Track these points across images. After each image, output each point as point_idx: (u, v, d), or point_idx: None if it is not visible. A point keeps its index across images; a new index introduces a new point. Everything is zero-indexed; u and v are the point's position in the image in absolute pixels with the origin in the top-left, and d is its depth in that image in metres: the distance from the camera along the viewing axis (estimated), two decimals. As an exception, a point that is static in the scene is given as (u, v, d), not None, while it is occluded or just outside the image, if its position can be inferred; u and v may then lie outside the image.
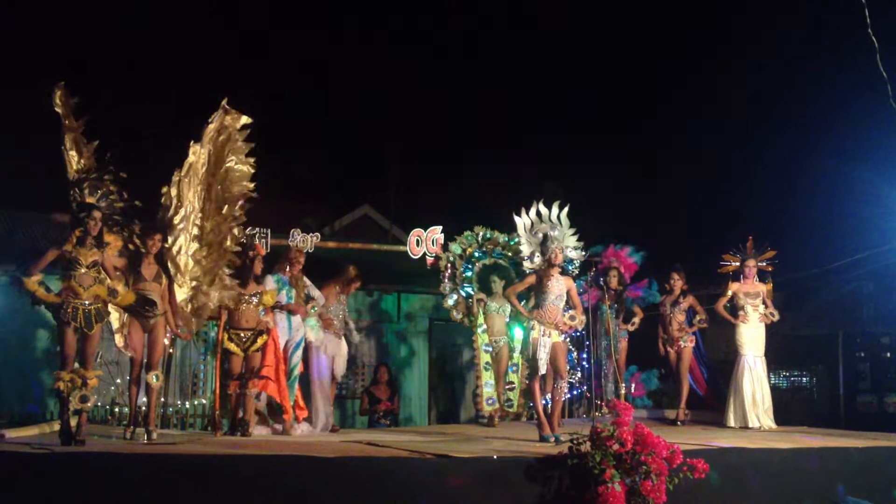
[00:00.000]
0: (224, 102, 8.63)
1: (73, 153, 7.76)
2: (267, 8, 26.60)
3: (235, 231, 8.79)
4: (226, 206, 8.70)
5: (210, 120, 8.59)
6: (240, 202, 8.78)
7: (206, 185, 8.60)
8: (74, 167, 7.75)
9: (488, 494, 6.73)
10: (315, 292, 9.80)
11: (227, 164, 8.68)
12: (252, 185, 8.81)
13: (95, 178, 7.56)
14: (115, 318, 7.88)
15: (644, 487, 6.63)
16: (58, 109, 7.72)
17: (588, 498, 6.67)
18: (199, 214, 8.59)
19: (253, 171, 8.81)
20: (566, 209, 8.71)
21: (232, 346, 8.85)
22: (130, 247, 7.95)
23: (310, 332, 9.74)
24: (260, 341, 8.93)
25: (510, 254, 11.23)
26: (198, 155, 8.52)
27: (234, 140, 8.71)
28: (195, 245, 8.57)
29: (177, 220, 8.37)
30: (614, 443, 6.68)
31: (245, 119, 8.72)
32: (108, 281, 7.48)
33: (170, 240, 8.31)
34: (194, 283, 8.57)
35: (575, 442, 6.87)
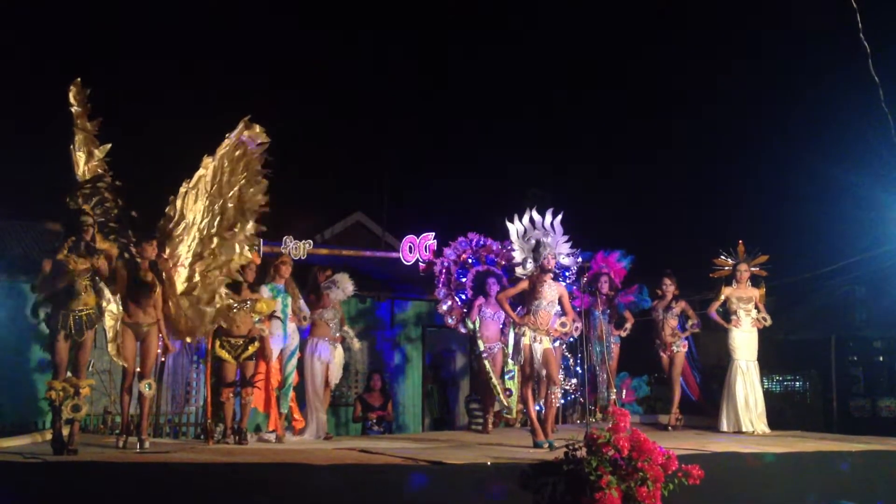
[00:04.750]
0: (246, 118, 8.55)
1: (80, 154, 7.69)
2: (262, 16, 26.60)
3: (247, 252, 8.69)
4: (237, 226, 8.60)
5: (227, 134, 8.52)
6: (251, 223, 8.68)
7: (215, 199, 8.50)
8: (81, 168, 7.69)
9: (483, 501, 6.71)
10: (302, 304, 9.73)
11: (241, 182, 8.59)
12: (264, 201, 8.63)
13: (90, 185, 7.49)
14: (109, 326, 7.84)
15: (640, 494, 6.63)
16: (72, 108, 7.64)
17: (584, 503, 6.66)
18: (205, 229, 8.48)
19: (265, 186, 8.67)
20: (559, 216, 8.72)
21: (224, 354, 8.82)
22: (126, 255, 7.90)
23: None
24: (251, 349, 8.90)
25: (503, 262, 11.22)
26: (209, 168, 8.44)
27: (251, 155, 8.61)
28: (199, 260, 8.46)
29: (177, 231, 8.28)
30: (610, 448, 6.67)
31: (264, 137, 8.61)
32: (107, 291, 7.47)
33: (168, 250, 8.24)
34: (192, 298, 8.48)
35: (570, 448, 6.86)
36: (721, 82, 21.86)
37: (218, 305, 8.42)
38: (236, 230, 8.55)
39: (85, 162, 7.67)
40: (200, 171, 8.40)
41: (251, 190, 8.60)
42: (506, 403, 10.54)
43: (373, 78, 29.70)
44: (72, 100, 7.64)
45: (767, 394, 11.35)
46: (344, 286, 10.06)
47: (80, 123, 7.65)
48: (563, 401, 10.98)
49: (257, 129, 8.59)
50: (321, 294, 9.89)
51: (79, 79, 7.70)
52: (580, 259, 10.18)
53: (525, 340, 8.40)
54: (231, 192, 8.53)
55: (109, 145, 7.81)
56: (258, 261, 9.29)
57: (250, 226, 8.64)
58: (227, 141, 8.49)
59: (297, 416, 9.78)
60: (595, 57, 26.41)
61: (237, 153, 8.54)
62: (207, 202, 8.46)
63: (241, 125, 8.54)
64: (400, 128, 27.05)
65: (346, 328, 10.28)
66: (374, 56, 30.10)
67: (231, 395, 8.88)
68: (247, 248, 8.64)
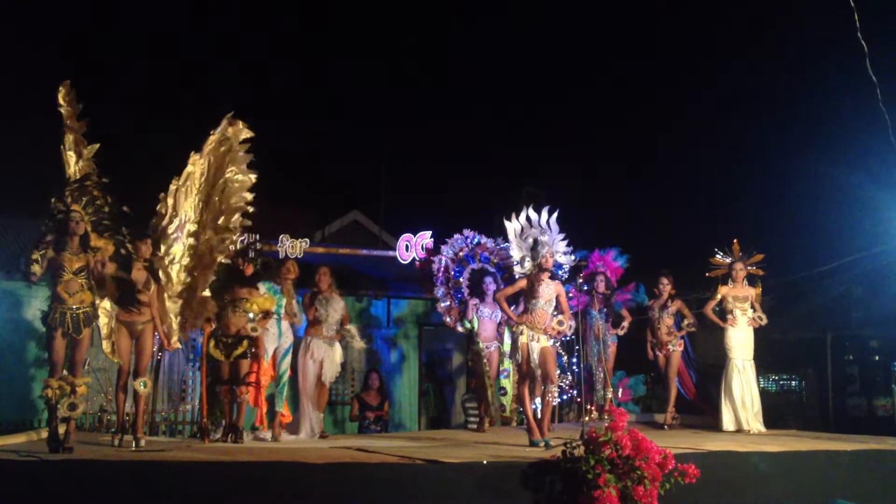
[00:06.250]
0: (229, 115, 8.56)
1: (71, 153, 7.70)
2: (260, 14, 26.60)
3: (227, 244, 8.72)
4: (222, 218, 8.63)
5: (212, 131, 8.53)
6: (236, 215, 8.72)
7: (204, 195, 8.53)
8: (72, 168, 7.70)
9: (479, 500, 6.70)
10: (296, 304, 9.72)
11: (227, 175, 8.62)
12: (250, 197, 8.75)
13: (77, 185, 7.48)
14: (104, 323, 7.83)
15: (636, 492, 6.61)
16: (61, 109, 7.67)
17: (582, 502, 6.65)
18: (195, 226, 8.51)
19: (252, 182, 8.74)
20: (555, 214, 8.73)
21: (217, 353, 8.81)
22: (122, 251, 7.89)
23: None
24: (241, 348, 8.87)
25: (497, 259, 11.22)
26: (196, 165, 8.45)
27: (235, 151, 8.64)
28: (188, 258, 8.47)
29: (171, 228, 8.30)
30: (608, 447, 6.66)
31: (247, 132, 8.65)
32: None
33: (163, 248, 8.24)
34: (185, 295, 8.49)
35: (568, 446, 6.85)
36: (721, 82, 21.91)
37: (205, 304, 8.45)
38: (221, 223, 8.60)
39: (75, 162, 7.68)
40: (189, 168, 8.42)
41: (236, 185, 8.63)
42: (501, 402, 10.55)
43: (370, 77, 29.70)
44: (61, 101, 7.68)
45: (764, 393, 11.36)
46: (332, 310, 9.93)
47: (69, 124, 7.68)
48: (559, 399, 10.98)
49: (240, 124, 8.61)
50: (312, 305, 9.90)
51: (68, 80, 7.73)
52: (573, 257, 10.15)
53: (523, 339, 8.40)
54: (217, 187, 8.57)
55: (97, 145, 7.83)
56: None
57: (234, 218, 8.68)
58: (211, 137, 8.51)
59: (285, 412, 9.74)
60: (594, 56, 26.43)
61: (222, 149, 8.58)
62: (198, 199, 8.48)
63: (224, 121, 8.55)
64: (397, 126, 27.08)
65: (347, 327, 10.23)
66: (372, 54, 30.10)
67: (227, 392, 8.87)
68: (228, 241, 8.69)
